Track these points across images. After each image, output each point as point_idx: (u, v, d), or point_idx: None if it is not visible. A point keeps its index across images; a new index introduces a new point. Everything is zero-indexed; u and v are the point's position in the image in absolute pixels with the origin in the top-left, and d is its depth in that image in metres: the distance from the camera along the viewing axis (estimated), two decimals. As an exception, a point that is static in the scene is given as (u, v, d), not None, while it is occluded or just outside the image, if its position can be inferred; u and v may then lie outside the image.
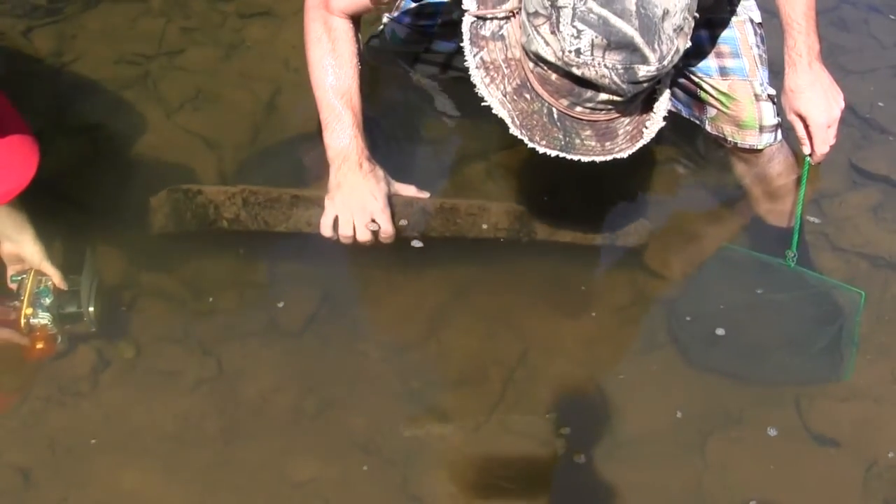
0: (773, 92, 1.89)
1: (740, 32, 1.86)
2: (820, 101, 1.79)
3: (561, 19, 1.27)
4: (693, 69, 1.90)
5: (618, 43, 1.26)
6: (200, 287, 1.82)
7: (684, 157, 2.08)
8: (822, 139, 1.82)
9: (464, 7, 1.40)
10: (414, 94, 2.17)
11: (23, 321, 1.63)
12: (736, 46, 1.86)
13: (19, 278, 1.68)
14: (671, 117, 2.01)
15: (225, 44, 2.29)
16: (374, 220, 1.68)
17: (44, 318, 1.64)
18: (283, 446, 1.63)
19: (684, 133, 2.04)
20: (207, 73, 2.21)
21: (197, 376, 1.70)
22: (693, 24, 1.34)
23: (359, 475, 1.61)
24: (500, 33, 1.38)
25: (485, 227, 1.81)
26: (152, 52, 2.24)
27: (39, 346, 1.65)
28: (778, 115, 1.90)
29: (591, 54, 1.27)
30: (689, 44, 1.35)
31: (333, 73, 1.65)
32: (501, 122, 1.40)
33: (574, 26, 1.26)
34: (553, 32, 1.29)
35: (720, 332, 1.78)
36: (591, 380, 1.77)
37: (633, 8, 1.25)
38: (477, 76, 1.39)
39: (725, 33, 1.87)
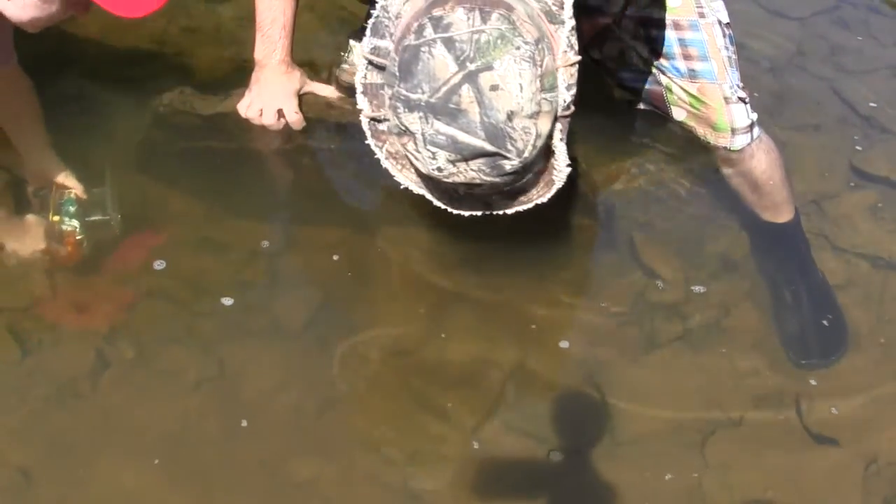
0: (744, 94, 1.88)
1: (708, 35, 1.86)
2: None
3: (417, 142, 1.34)
4: (662, 68, 1.91)
5: (472, 154, 1.31)
6: (200, 287, 1.82)
7: (672, 158, 2.09)
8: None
9: (358, 107, 1.45)
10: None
11: None
12: (704, 49, 1.86)
13: (42, 193, 1.78)
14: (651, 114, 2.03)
15: (225, 44, 2.29)
16: (280, 111, 1.92)
17: (71, 224, 1.74)
18: (283, 446, 1.63)
19: (671, 133, 2.03)
20: (208, 73, 2.20)
21: (197, 376, 1.69)
22: (557, 96, 1.34)
23: (359, 475, 1.61)
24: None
25: None
26: (152, 53, 2.23)
27: (68, 250, 1.74)
28: (751, 114, 1.89)
29: (454, 166, 1.33)
30: (565, 99, 1.35)
31: None
32: None
33: (428, 149, 1.32)
34: (417, 151, 1.35)
35: None
36: (591, 380, 1.77)
37: (478, 119, 1.29)
38: (388, 165, 1.46)
39: (693, 36, 1.86)
